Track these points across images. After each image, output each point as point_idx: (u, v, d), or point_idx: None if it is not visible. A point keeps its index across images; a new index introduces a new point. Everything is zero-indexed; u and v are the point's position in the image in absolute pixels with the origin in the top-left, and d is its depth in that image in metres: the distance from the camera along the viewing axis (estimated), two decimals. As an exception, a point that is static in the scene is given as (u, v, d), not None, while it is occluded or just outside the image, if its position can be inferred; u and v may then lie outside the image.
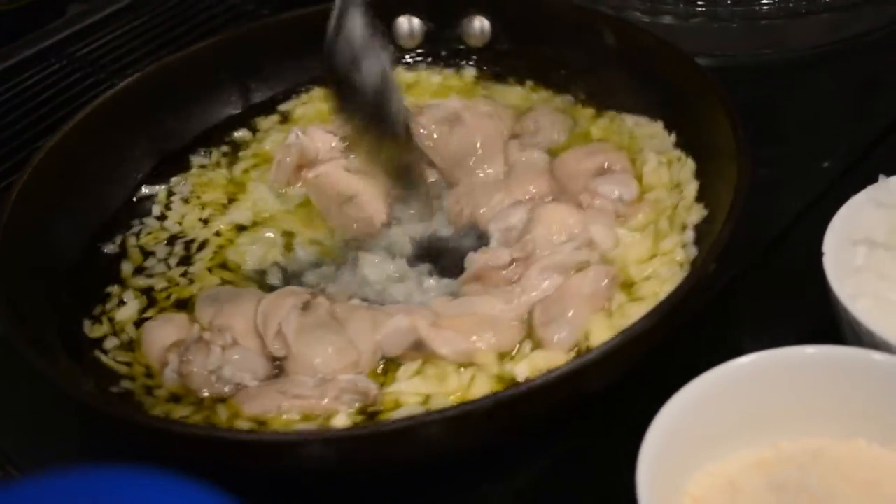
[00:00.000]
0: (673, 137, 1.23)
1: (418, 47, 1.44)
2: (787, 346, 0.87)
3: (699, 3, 1.41)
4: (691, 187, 1.16)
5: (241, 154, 1.35)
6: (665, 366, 0.92)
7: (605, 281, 1.07)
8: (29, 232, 1.15)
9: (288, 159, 1.26)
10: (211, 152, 1.35)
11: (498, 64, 1.42)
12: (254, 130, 1.38)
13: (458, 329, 1.03)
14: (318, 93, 1.40)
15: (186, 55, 1.37)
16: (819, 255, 0.97)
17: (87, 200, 1.25)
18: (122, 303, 1.15)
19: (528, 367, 1.01)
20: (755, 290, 1.12)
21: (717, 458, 0.86)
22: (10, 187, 1.17)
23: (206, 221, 1.25)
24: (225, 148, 1.36)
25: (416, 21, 1.43)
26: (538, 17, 1.39)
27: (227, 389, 1.02)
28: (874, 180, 1.04)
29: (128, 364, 1.08)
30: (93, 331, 1.12)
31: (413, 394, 1.00)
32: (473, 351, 1.02)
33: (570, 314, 1.04)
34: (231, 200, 1.28)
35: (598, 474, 0.96)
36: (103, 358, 1.09)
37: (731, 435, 0.86)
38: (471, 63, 1.43)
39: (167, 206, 1.28)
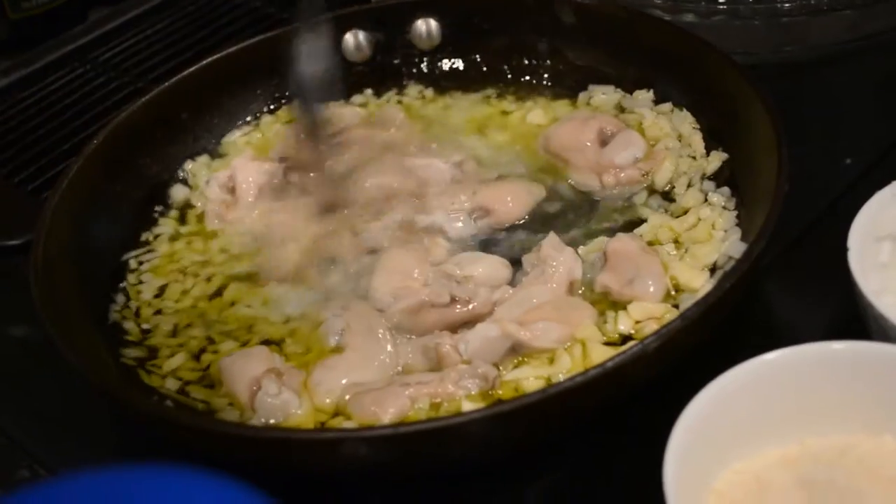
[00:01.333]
0: (650, 94, 1.29)
1: (369, 60, 1.44)
2: (813, 342, 0.86)
3: (720, 0, 1.41)
4: (696, 137, 1.22)
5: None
6: (691, 363, 0.92)
7: (639, 238, 1.11)
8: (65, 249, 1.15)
9: (217, 197, 1.28)
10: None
11: (453, 62, 1.44)
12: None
13: (546, 318, 1.04)
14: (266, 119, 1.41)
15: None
16: (844, 251, 0.96)
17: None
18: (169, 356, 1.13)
19: (629, 322, 1.03)
20: (780, 287, 1.11)
21: (744, 455, 0.85)
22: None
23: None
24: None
25: (362, 35, 1.42)
26: (486, 10, 1.41)
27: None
28: (898, 176, 1.04)
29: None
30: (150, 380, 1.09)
31: (532, 378, 1.00)
32: (573, 332, 1.03)
33: (644, 268, 1.06)
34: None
35: (626, 473, 0.96)
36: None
37: (757, 432, 0.85)
38: (424, 67, 1.44)
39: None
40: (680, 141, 1.24)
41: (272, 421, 1.01)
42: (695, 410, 0.82)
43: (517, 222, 1.20)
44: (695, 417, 0.82)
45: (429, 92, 1.43)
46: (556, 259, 1.09)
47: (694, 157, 1.21)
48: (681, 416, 0.82)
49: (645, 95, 1.31)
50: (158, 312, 1.17)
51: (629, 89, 1.33)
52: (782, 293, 1.11)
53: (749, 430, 0.85)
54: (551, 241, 1.11)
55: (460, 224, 1.19)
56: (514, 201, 1.20)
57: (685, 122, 1.25)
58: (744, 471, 0.85)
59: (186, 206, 1.30)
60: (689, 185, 1.19)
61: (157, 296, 1.19)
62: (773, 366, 0.85)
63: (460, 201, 1.20)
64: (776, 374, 0.85)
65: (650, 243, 1.12)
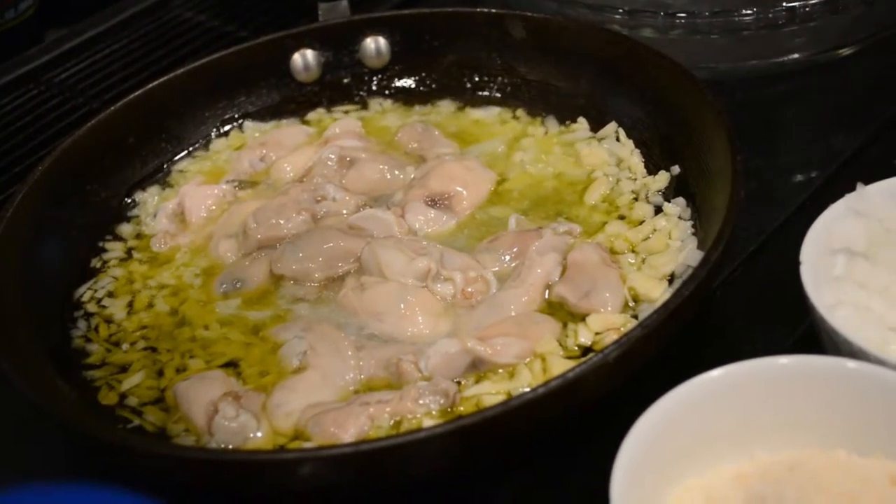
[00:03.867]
0: (585, 123, 1.30)
1: (318, 80, 1.42)
2: (769, 356, 0.86)
3: (679, 15, 1.40)
4: (635, 160, 1.23)
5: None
6: (641, 380, 0.91)
7: (602, 249, 1.11)
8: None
9: (164, 227, 1.27)
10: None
11: (404, 81, 1.43)
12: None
13: (506, 333, 1.03)
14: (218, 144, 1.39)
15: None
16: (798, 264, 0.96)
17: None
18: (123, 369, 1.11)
19: (589, 334, 1.03)
20: (736, 301, 1.11)
21: (695, 472, 0.84)
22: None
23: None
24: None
25: (310, 54, 1.41)
26: (436, 27, 1.40)
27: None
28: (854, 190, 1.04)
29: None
30: (106, 397, 1.08)
31: (493, 394, 1.00)
32: (533, 347, 1.03)
33: (601, 280, 1.06)
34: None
35: (576, 495, 0.95)
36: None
37: (708, 449, 0.85)
38: (375, 86, 1.43)
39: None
40: (619, 166, 1.24)
41: (230, 446, 0.99)
42: (643, 428, 0.82)
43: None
44: (643, 435, 0.81)
45: (387, 104, 1.42)
46: (540, 264, 1.09)
47: (634, 179, 1.22)
48: (628, 434, 0.81)
49: (582, 125, 1.31)
50: (115, 334, 1.15)
51: (581, 105, 1.32)
52: (738, 307, 1.11)
53: (699, 446, 0.84)
54: (540, 244, 1.11)
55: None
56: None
57: (624, 147, 1.25)
58: (695, 488, 0.84)
59: (137, 237, 1.28)
60: (635, 199, 1.19)
61: (111, 321, 1.17)
62: (719, 382, 0.84)
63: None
64: (724, 391, 0.85)
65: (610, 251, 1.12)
